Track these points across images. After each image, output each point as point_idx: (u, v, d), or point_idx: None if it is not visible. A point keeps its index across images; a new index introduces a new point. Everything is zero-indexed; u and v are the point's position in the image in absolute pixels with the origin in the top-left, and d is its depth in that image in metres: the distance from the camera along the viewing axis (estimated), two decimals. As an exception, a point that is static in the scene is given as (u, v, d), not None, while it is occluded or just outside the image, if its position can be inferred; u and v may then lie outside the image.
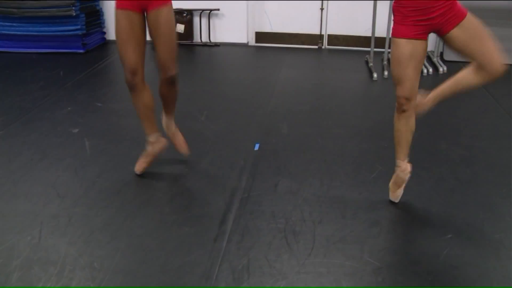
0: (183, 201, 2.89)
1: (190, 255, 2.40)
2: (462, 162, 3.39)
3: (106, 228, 2.61)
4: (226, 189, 3.01)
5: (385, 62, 5.50)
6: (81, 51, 6.07)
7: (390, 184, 2.88)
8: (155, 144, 3.15)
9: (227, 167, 3.28)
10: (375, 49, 5.66)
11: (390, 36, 2.58)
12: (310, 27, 6.62)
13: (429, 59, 5.79)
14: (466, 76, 2.57)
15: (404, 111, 2.61)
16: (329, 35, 6.61)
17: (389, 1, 5.29)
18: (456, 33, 2.43)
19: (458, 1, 2.42)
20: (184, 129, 3.47)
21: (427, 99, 2.73)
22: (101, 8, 6.53)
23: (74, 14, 5.84)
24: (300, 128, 3.93)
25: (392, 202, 2.86)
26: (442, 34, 2.49)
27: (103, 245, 2.48)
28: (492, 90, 4.87)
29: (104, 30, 6.70)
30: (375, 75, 5.26)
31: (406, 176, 2.82)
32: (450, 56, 5.85)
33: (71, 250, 2.43)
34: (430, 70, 5.42)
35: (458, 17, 2.41)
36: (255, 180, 3.11)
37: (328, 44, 6.64)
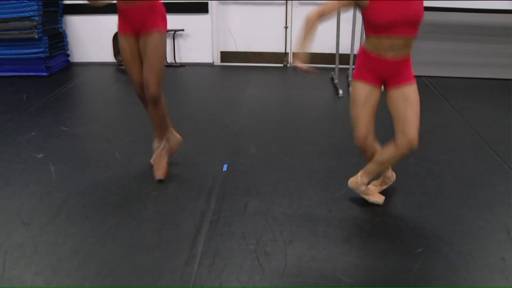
0: (152, 225, 2.84)
1: (161, 280, 2.36)
2: (428, 176, 3.44)
3: (74, 255, 2.55)
4: (196, 211, 2.98)
5: (350, 79, 5.57)
6: (45, 74, 5.99)
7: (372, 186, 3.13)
8: (171, 140, 3.49)
9: (196, 189, 3.25)
10: (340, 66, 5.74)
11: (351, 78, 2.84)
12: (275, 46, 6.69)
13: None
14: (384, 153, 2.86)
15: (364, 152, 2.92)
16: (294, 53, 6.67)
17: (351, 19, 5.37)
18: (394, 92, 2.72)
19: (411, 67, 2.73)
20: (151, 152, 3.46)
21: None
22: (64, 30, 6.47)
23: (37, 36, 5.77)
24: (267, 147, 3.93)
25: (362, 217, 2.89)
26: (386, 88, 2.78)
27: (71, 274, 2.41)
28: (455, 103, 4.99)
29: (68, 52, 6.63)
30: (340, 91, 5.32)
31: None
32: (413, 70, 5.98)
33: (38, 280, 2.36)
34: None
35: (405, 80, 2.70)
36: (224, 201, 3.09)
37: (293, 62, 6.70)
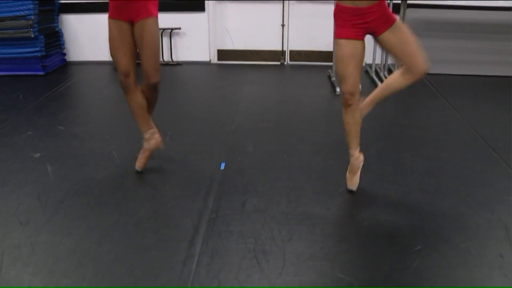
0: (150, 225, 2.83)
1: (159, 279, 2.35)
2: (426, 174, 3.44)
3: (72, 256, 2.54)
4: (193, 210, 2.97)
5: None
6: (41, 73, 5.97)
7: (347, 173, 3.16)
8: (150, 140, 3.41)
9: (194, 188, 3.24)
10: (337, 64, 5.72)
11: (334, 37, 2.92)
12: (272, 44, 6.68)
13: (390, 71, 5.90)
14: (394, 80, 2.92)
15: (349, 105, 2.92)
16: (291, 51, 6.67)
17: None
18: (387, 35, 2.77)
19: (389, 8, 2.79)
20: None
21: (363, 104, 3.06)
22: (60, 29, 6.45)
23: (33, 35, 5.74)
24: (265, 145, 3.92)
25: (360, 215, 2.88)
26: (376, 36, 2.82)
27: (68, 274, 2.40)
28: (453, 101, 4.99)
29: (64, 51, 6.61)
30: (337, 89, 5.31)
31: (360, 163, 3.15)
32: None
33: (35, 281, 2.34)
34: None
35: (389, 22, 2.75)
36: (222, 200, 3.08)
37: (290, 60, 6.71)
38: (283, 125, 4.39)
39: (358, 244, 2.65)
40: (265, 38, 6.65)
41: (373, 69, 5.95)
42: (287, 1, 6.43)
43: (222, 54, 6.78)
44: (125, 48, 3.12)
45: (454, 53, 6.13)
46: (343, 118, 3.01)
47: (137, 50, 3.17)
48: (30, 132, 4.18)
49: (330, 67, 5.83)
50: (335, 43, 2.90)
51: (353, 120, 2.99)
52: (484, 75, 6.07)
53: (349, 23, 2.76)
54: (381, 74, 5.86)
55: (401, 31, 2.78)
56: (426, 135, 4.15)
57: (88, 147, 3.90)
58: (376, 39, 2.85)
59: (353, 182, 3.14)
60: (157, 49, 3.16)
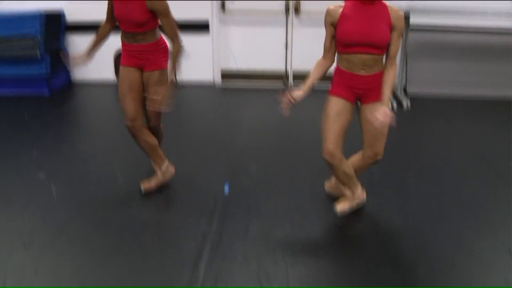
0: (154, 248, 2.84)
1: (162, 303, 2.35)
2: (430, 196, 3.44)
3: (75, 277, 2.54)
4: (197, 233, 2.97)
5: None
6: (46, 93, 6.01)
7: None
8: (166, 173, 3.54)
9: (197, 210, 3.25)
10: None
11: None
12: (275, 65, 6.72)
13: (392, 93, 5.94)
14: (352, 162, 3.06)
15: (331, 164, 2.96)
16: (294, 72, 6.72)
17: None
18: (366, 108, 2.87)
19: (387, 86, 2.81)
20: (152, 173, 3.47)
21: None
22: (66, 49, 6.50)
23: (39, 55, 5.79)
24: (269, 167, 3.94)
25: (364, 239, 2.89)
26: (360, 104, 2.93)
27: (72, 296, 2.40)
28: (455, 123, 5.01)
29: (70, 71, 6.66)
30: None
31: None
32: (413, 89, 6.06)
33: (39, 303, 2.35)
34: (395, 105, 5.55)
35: (375, 97, 2.83)
36: (226, 222, 3.09)
37: (293, 81, 6.74)
38: (286, 147, 4.41)
39: (362, 268, 2.65)
40: (268, 60, 6.69)
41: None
42: (291, 22, 6.49)
43: (226, 75, 6.83)
44: (133, 94, 3.25)
45: (455, 74, 6.19)
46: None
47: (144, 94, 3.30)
48: (34, 152, 4.20)
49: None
50: (327, 99, 2.99)
51: (343, 174, 3.03)
52: (486, 96, 6.11)
53: (343, 85, 2.86)
54: (398, 94, 5.88)
55: (381, 113, 2.72)
56: (429, 158, 4.16)
57: (92, 168, 3.91)
58: (359, 108, 2.95)
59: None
60: (161, 97, 3.23)
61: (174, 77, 3.28)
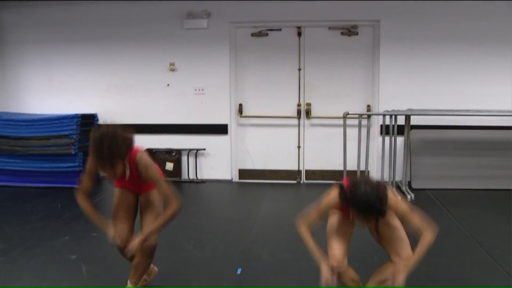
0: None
1: None
2: (426, 279, 3.68)
3: None
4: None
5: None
6: (78, 186, 6.46)
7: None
8: (151, 273, 3.60)
9: (212, 290, 3.53)
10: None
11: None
12: (289, 164, 7.22)
13: (398, 188, 6.33)
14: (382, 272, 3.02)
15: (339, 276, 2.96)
16: (306, 170, 7.18)
17: (357, 138, 5.92)
18: (379, 226, 2.93)
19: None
20: (172, 257, 3.84)
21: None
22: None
23: (73, 152, 6.39)
24: (279, 253, 4.26)
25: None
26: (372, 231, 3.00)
27: None
28: (455, 213, 5.30)
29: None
30: (348, 206, 5.66)
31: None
32: (417, 184, 6.41)
33: None
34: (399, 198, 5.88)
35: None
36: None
37: (306, 179, 7.18)
38: (296, 237, 4.67)
39: None
40: (282, 159, 7.22)
41: (394, 185, 6.35)
42: (303, 124, 7.05)
43: (243, 173, 7.32)
44: (126, 216, 3.30)
45: (457, 169, 6.59)
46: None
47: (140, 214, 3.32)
48: (67, 237, 4.63)
49: (343, 186, 6.22)
50: (330, 211, 3.07)
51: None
52: (485, 188, 6.44)
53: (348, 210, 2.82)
54: (403, 189, 6.32)
55: (394, 223, 2.93)
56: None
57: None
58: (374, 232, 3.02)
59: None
60: (157, 213, 3.23)
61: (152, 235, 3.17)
